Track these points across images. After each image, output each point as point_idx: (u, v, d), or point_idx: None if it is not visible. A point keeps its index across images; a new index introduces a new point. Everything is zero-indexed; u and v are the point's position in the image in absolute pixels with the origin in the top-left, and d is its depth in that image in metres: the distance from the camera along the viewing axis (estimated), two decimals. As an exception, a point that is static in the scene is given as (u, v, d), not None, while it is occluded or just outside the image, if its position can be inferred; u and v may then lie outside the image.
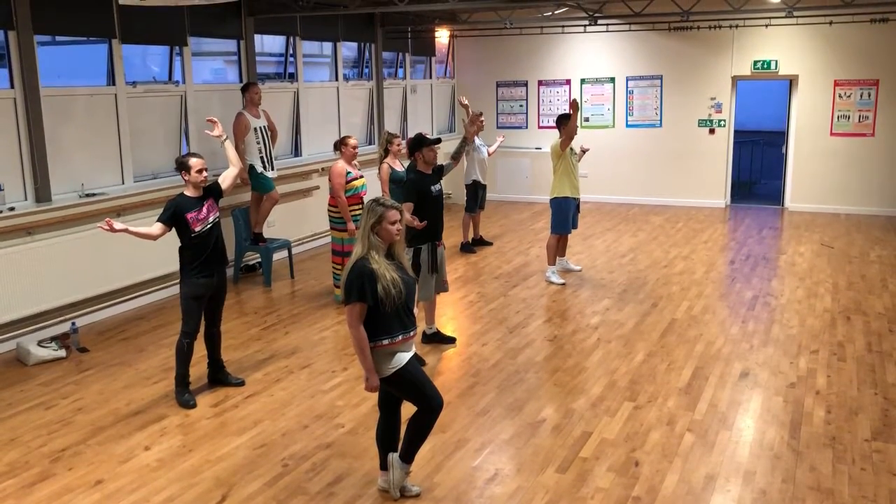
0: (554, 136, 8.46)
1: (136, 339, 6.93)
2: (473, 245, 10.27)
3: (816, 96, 12.14)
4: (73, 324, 6.83)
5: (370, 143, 11.95)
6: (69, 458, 4.78)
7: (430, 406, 4.10)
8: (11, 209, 6.72)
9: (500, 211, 12.92)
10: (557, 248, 8.73)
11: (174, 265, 5.64)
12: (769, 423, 5.11)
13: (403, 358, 4.05)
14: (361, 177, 7.70)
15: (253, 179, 8.66)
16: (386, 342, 4.00)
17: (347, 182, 7.51)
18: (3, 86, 6.88)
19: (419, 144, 6.38)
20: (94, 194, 7.44)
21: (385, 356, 4.02)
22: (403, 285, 4.01)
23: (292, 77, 10.42)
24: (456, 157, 6.66)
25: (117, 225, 5.13)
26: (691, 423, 5.11)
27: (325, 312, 7.63)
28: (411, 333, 4.12)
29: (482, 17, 13.06)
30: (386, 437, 4.28)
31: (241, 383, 5.86)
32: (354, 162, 7.69)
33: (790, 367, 6.07)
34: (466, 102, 9.32)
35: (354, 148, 7.64)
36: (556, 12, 11.72)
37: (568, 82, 13.62)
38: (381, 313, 3.96)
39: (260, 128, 8.63)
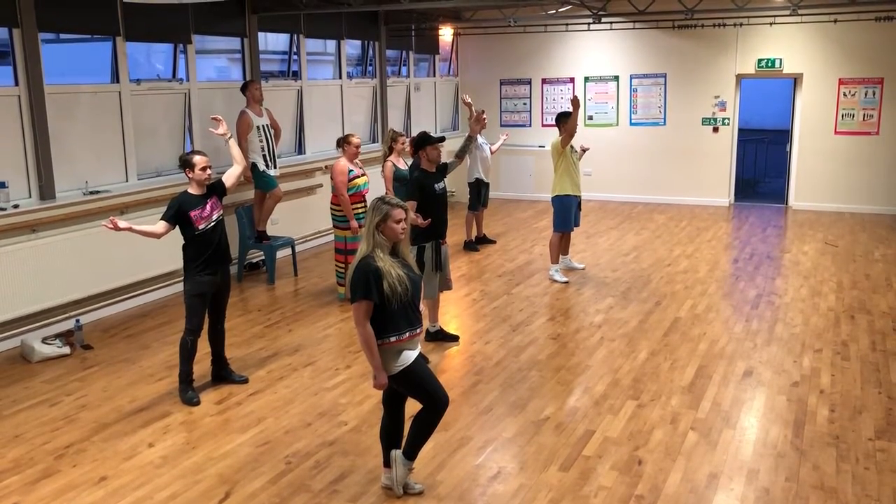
0: (556, 134, 8.45)
1: (140, 337, 6.94)
2: (477, 243, 10.27)
3: (821, 95, 12.11)
4: (78, 321, 6.84)
5: (373, 142, 11.95)
6: (73, 455, 4.79)
7: (436, 404, 4.10)
8: (16, 206, 6.73)
9: (503, 209, 12.92)
10: (560, 246, 8.72)
11: (178, 263, 5.65)
12: (772, 422, 5.11)
13: (410, 356, 4.06)
14: (363, 174, 7.71)
15: (256, 178, 8.66)
16: (393, 339, 4.01)
17: (349, 180, 7.51)
18: (8, 83, 6.88)
19: (423, 143, 6.38)
20: (97, 192, 7.45)
21: (392, 354, 4.03)
22: (409, 282, 4.02)
23: (296, 75, 10.42)
24: (461, 155, 6.65)
25: (121, 223, 5.14)
26: (694, 422, 5.11)
27: (328, 310, 7.64)
28: (417, 330, 4.13)
29: (486, 15, 13.06)
30: (390, 435, 4.28)
31: (245, 381, 5.87)
32: (356, 160, 7.69)
33: (794, 365, 6.06)
34: (469, 101, 9.31)
35: (357, 146, 7.64)
36: (560, 10, 11.70)
37: (572, 80, 13.60)
38: (388, 310, 3.96)
39: (262, 126, 8.63)
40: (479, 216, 10.39)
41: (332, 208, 7.75)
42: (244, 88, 8.68)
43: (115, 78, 7.81)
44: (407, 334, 4.05)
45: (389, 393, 4.26)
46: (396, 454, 4.24)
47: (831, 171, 12.24)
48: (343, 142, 7.66)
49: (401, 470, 4.23)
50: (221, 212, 5.58)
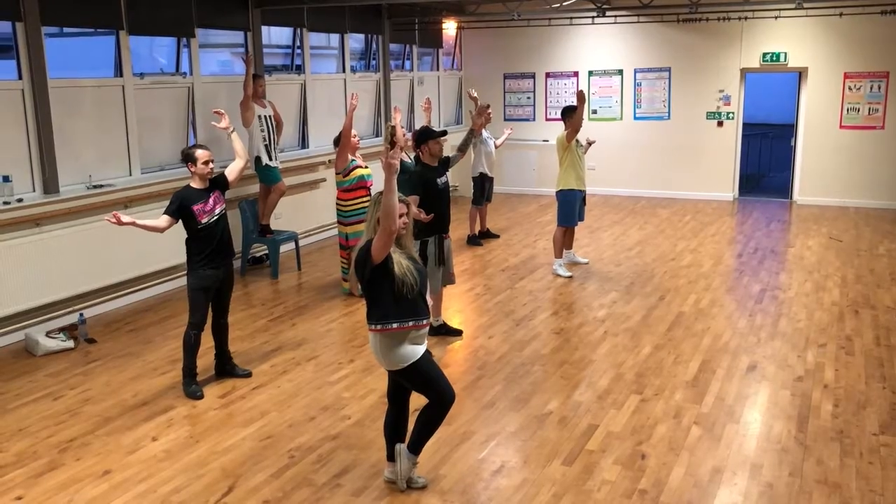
0: (561, 128, 8.43)
1: (143, 331, 6.95)
2: (480, 238, 10.26)
3: (826, 89, 12.07)
4: (81, 315, 6.85)
5: (377, 136, 11.94)
6: (77, 449, 4.80)
7: (442, 400, 4.11)
8: (20, 200, 6.74)
9: (507, 204, 12.90)
10: (564, 240, 8.71)
11: (181, 257, 5.65)
12: (776, 417, 5.10)
13: (418, 350, 4.06)
14: (366, 166, 7.73)
15: (260, 171, 8.65)
16: (411, 324, 4.01)
17: (351, 169, 7.53)
18: (12, 77, 6.88)
19: (425, 137, 6.37)
20: (101, 186, 7.46)
21: (396, 342, 4.00)
22: (417, 273, 4.04)
23: (299, 69, 10.41)
24: (462, 148, 6.65)
25: (124, 218, 5.14)
26: (698, 417, 5.10)
27: (332, 304, 7.64)
28: (424, 321, 4.12)
29: (490, 8, 12.99)
30: (394, 429, 4.29)
31: (248, 375, 5.88)
32: (357, 154, 7.72)
33: (798, 360, 6.05)
34: (475, 95, 9.30)
35: (357, 139, 7.69)
36: (564, 4, 11.66)
37: (576, 74, 13.57)
38: (402, 298, 3.98)
39: (265, 116, 8.62)
40: (483, 211, 10.38)
41: (338, 203, 7.74)
42: None
43: (119, 72, 7.81)
44: (424, 321, 4.06)
45: (393, 387, 4.27)
46: (401, 448, 4.25)
47: (836, 166, 12.19)
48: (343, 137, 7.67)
49: (405, 464, 4.23)
50: (224, 206, 5.59)
